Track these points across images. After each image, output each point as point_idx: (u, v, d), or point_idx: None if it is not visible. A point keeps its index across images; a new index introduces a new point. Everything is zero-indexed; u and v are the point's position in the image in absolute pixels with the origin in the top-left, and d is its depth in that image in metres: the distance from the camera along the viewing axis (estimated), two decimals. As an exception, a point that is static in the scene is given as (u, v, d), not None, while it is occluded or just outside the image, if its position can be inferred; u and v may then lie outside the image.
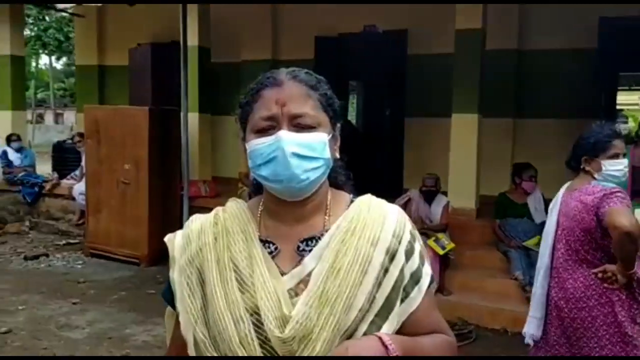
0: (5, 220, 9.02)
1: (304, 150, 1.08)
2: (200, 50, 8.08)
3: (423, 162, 7.60)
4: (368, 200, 1.19)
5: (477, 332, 5.08)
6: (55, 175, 9.00)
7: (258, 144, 1.10)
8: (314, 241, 1.14)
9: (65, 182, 8.78)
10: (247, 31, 8.79)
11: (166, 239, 1.25)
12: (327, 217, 1.17)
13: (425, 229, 5.69)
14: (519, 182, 5.84)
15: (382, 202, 1.20)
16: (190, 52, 7.48)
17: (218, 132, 8.97)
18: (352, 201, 1.20)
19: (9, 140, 9.00)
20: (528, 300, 5.10)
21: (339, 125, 1.19)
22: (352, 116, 13.99)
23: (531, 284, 5.19)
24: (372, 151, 8.96)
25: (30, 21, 28.65)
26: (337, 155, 1.19)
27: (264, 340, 1.05)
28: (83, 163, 8.22)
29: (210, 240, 1.16)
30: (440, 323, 1.21)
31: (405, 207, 5.87)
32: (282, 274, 1.11)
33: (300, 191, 1.12)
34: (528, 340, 2.96)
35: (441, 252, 5.44)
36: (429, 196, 5.88)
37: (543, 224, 5.68)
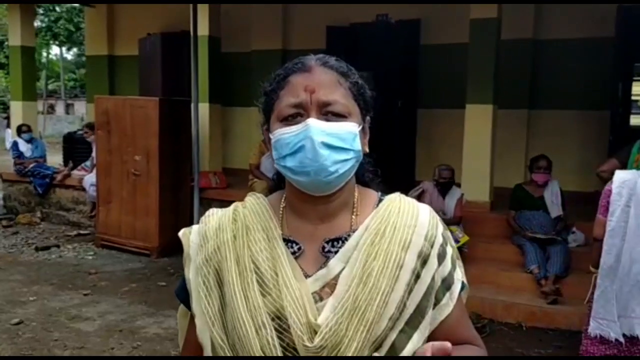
0: (16, 211, 9.05)
1: (334, 140, 1.00)
2: (210, 40, 8.02)
3: (435, 154, 7.53)
4: (398, 200, 1.11)
5: (491, 327, 5.01)
6: (70, 165, 8.97)
7: (284, 133, 1.02)
8: (340, 242, 1.06)
9: (75, 173, 8.75)
10: (257, 21, 8.72)
11: (181, 234, 1.16)
12: (354, 217, 1.09)
13: (439, 222, 5.62)
14: (531, 174, 5.75)
15: (412, 202, 1.12)
16: (200, 42, 7.41)
17: (228, 123, 8.93)
18: (380, 200, 1.12)
19: (19, 131, 8.99)
20: (543, 294, 5.06)
21: (368, 117, 1.12)
22: (363, 107, 13.93)
23: (546, 277, 5.15)
24: (384, 143, 8.85)
25: (41, 12, 28.72)
26: (367, 150, 1.11)
27: (286, 347, 0.98)
28: (94, 154, 8.20)
29: (229, 237, 1.08)
30: (471, 331, 1.14)
31: (418, 199, 5.80)
32: (306, 276, 1.03)
33: (328, 185, 1.03)
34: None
35: (455, 245, 5.36)
36: (444, 188, 5.78)
37: (558, 218, 5.63)
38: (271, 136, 1.06)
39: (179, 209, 7.13)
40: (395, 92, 8.29)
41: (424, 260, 1.05)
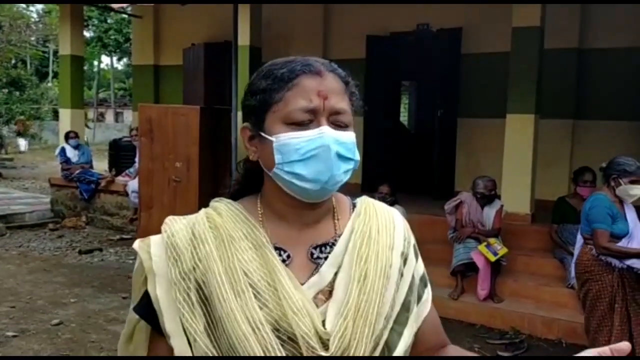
0: (63, 215, 9.34)
1: (344, 150, 0.99)
2: (251, 50, 8.09)
3: (475, 164, 7.42)
4: (372, 203, 1.13)
5: (530, 342, 4.87)
6: (113, 172, 9.22)
7: (294, 137, 0.97)
8: (328, 247, 1.04)
9: (119, 179, 8.99)
10: (298, 30, 8.79)
11: (136, 246, 1.06)
12: (336, 221, 1.08)
13: (477, 234, 5.50)
14: (575, 187, 5.57)
15: (384, 205, 1.15)
16: (241, 51, 7.51)
17: (268, 131, 8.97)
18: (353, 204, 1.13)
19: (67, 137, 9.29)
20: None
21: None
22: (403, 117, 13.81)
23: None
24: (424, 152, 8.78)
25: (94, 23, 29.75)
26: None
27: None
28: (137, 159, 8.39)
29: (211, 248, 1.00)
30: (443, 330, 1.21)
31: (455, 210, 5.70)
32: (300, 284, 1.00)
33: (328, 193, 1.02)
34: None
35: (493, 258, 5.23)
36: (487, 200, 5.62)
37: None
38: (273, 138, 0.99)
39: (218, 215, 7.20)
40: (435, 101, 8.21)
41: (405, 259, 1.09)
